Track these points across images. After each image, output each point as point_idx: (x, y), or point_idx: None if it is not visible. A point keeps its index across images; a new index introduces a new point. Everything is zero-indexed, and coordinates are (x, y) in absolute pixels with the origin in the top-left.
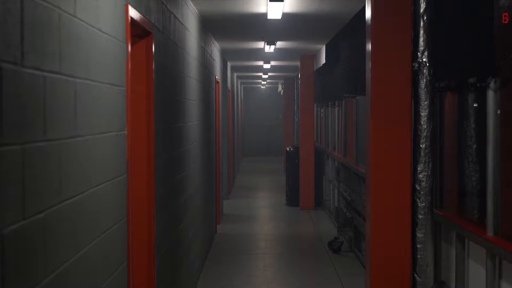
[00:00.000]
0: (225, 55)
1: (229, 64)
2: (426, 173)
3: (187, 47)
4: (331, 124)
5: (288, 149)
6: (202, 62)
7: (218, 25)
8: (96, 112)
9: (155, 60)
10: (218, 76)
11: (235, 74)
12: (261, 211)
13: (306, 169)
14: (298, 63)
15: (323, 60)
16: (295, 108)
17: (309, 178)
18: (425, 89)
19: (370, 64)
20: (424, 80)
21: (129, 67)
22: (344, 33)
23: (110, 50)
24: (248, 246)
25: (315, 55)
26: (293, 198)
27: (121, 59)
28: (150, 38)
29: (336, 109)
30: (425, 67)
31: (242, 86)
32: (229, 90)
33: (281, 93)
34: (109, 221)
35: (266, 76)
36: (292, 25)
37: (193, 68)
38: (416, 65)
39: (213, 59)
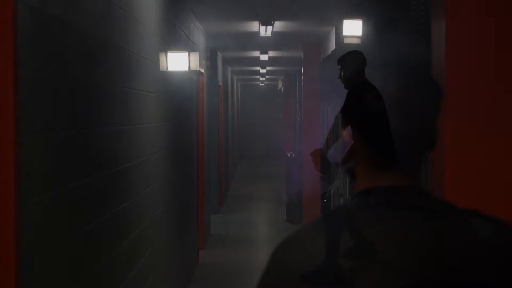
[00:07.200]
0: (213, 42)
1: (220, 55)
2: None
3: (137, 12)
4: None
5: (289, 155)
6: (171, 42)
7: None
8: None
9: (24, 2)
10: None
11: (229, 69)
12: (256, 230)
13: (311, 178)
14: (300, 54)
15: (332, 46)
16: (297, 106)
17: (314, 190)
18: None
19: (443, 34)
20: None
21: None
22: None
23: None
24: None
25: (321, 42)
26: (295, 213)
27: None
28: None
29: None
30: None
31: (239, 83)
32: (220, 86)
33: (282, 90)
34: None
35: (264, 71)
36: None
37: (152, 46)
38: None
39: (194, 43)
